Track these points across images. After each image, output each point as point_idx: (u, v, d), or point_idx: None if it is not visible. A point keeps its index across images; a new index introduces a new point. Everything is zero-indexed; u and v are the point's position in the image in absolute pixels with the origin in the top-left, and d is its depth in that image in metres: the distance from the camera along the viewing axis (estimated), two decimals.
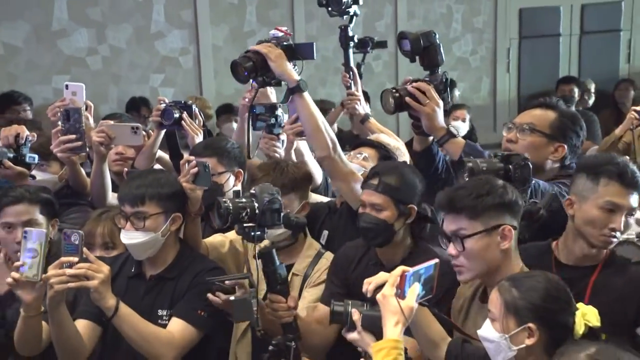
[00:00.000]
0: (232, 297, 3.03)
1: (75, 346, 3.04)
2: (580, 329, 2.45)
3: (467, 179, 3.03)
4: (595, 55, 10.48)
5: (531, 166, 3.01)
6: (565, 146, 3.45)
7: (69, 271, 2.83)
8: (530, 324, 2.45)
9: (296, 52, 3.60)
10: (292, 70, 3.53)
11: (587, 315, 2.47)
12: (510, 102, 10.19)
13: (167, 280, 3.29)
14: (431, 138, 3.58)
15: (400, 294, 2.47)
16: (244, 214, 2.93)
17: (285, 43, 3.58)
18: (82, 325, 3.12)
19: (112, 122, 4.26)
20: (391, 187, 3.17)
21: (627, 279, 2.89)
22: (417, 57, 3.53)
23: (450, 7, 9.82)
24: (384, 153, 4.08)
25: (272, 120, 3.85)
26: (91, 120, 4.29)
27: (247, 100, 4.07)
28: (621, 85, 9.25)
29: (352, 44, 4.70)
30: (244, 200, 2.97)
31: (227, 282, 3.12)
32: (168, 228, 3.26)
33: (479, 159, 3.08)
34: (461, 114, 7.70)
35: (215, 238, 3.70)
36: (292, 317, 3.01)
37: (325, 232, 3.82)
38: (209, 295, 3.09)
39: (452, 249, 2.77)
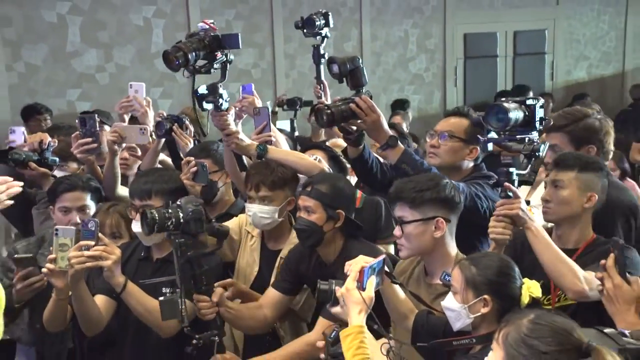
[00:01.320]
0: (160, 298, 2.93)
1: (94, 317, 3.04)
2: (525, 299, 2.47)
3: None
4: (525, 73, 10.52)
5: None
6: (478, 148, 3.45)
7: (87, 253, 2.83)
8: (486, 296, 2.46)
9: (222, 42, 3.41)
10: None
11: (531, 288, 2.49)
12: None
13: (171, 263, 3.15)
14: (361, 147, 3.48)
15: (360, 287, 2.43)
16: (169, 223, 2.82)
17: (212, 34, 3.40)
18: (99, 299, 3.11)
19: (124, 124, 4.20)
20: (321, 193, 3.09)
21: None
22: (344, 79, 3.44)
23: (407, 32, 9.80)
24: (332, 154, 4.02)
25: (218, 99, 3.54)
26: (150, 115, 4.23)
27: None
28: (546, 99, 9.31)
29: (322, 61, 4.61)
30: (170, 210, 2.85)
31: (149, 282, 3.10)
32: None
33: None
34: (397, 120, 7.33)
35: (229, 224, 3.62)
36: (214, 315, 2.92)
37: None
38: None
39: (397, 231, 2.82)
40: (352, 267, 2.48)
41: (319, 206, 3.07)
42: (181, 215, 2.82)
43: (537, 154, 2.92)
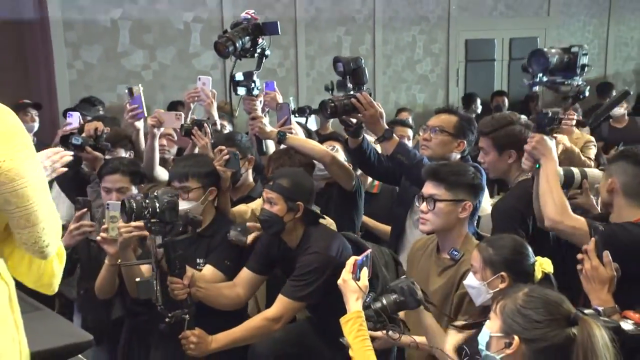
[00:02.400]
0: (137, 279, 2.88)
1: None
2: (538, 274, 2.44)
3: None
4: (519, 76, 10.21)
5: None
6: (465, 142, 3.47)
7: (133, 224, 2.87)
8: (503, 273, 2.45)
9: (263, 29, 3.42)
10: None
11: (543, 265, 2.46)
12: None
13: (205, 237, 3.22)
14: (360, 138, 3.47)
15: (355, 277, 2.40)
16: (145, 212, 2.75)
17: (254, 22, 3.41)
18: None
19: (162, 110, 4.23)
20: (282, 187, 3.00)
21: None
22: (348, 76, 3.42)
23: (415, 37, 9.78)
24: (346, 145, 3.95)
25: (252, 85, 3.58)
26: (215, 107, 4.22)
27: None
28: (536, 100, 9.05)
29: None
30: (147, 200, 2.77)
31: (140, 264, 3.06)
32: (206, 198, 3.23)
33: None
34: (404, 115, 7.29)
35: (240, 208, 3.60)
36: (185, 295, 2.84)
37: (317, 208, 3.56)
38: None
39: (424, 207, 2.82)
40: (348, 261, 2.45)
41: (280, 199, 3.00)
42: (157, 205, 2.76)
43: (581, 96, 2.84)
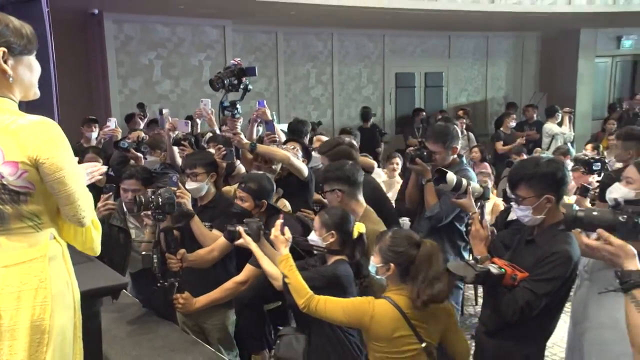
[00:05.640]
0: (142, 252, 2.76)
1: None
2: (355, 233, 2.38)
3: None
4: (431, 99, 10.54)
5: None
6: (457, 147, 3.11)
7: (178, 191, 2.79)
8: (332, 231, 2.38)
9: (246, 72, 3.27)
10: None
11: (359, 227, 2.39)
12: (391, 122, 10.20)
13: (208, 208, 3.07)
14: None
15: (281, 233, 2.34)
16: (151, 205, 2.65)
17: (239, 67, 3.26)
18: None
19: (177, 119, 4.04)
20: (251, 188, 2.83)
21: None
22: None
23: (361, 70, 9.80)
24: (303, 145, 3.79)
25: (235, 111, 3.34)
26: (214, 120, 3.93)
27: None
28: (439, 114, 9.24)
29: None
30: (152, 196, 2.66)
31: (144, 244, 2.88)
32: (209, 180, 3.06)
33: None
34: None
35: (226, 188, 3.41)
36: (178, 267, 2.71)
37: (281, 191, 3.34)
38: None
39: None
40: (276, 224, 2.38)
41: (249, 197, 2.83)
42: (160, 200, 2.66)
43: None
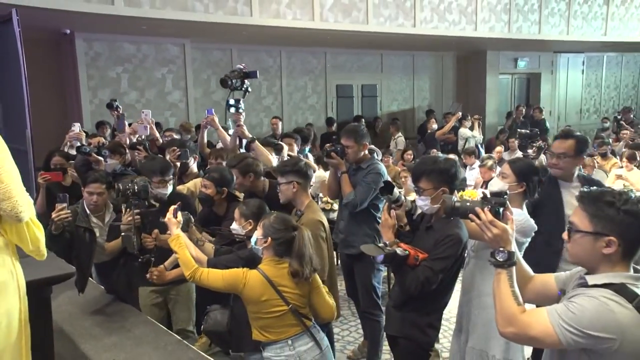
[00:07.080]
0: (123, 233, 2.68)
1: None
2: None
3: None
4: (367, 107, 10.50)
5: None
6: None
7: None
8: (250, 220, 2.39)
9: (248, 74, 3.29)
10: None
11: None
12: (333, 129, 10.00)
13: (166, 204, 2.74)
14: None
15: (174, 216, 2.30)
16: (128, 192, 2.63)
17: (244, 70, 3.29)
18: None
19: (137, 124, 3.98)
20: (214, 177, 2.80)
21: None
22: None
23: (306, 82, 9.71)
24: (275, 146, 3.78)
25: (239, 106, 3.37)
26: (154, 127, 4.04)
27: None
28: (377, 121, 9.54)
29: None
30: (129, 184, 2.63)
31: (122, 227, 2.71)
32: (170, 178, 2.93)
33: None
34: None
35: (179, 187, 3.28)
36: (153, 245, 2.67)
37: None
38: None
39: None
40: (170, 208, 2.35)
41: (212, 185, 2.80)
42: (136, 187, 2.64)
43: None
